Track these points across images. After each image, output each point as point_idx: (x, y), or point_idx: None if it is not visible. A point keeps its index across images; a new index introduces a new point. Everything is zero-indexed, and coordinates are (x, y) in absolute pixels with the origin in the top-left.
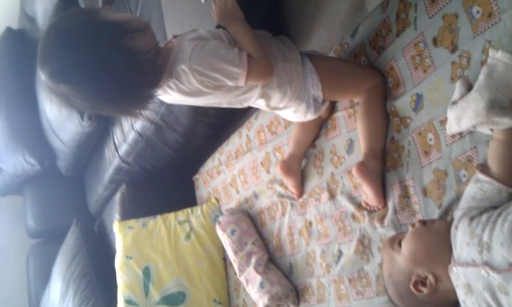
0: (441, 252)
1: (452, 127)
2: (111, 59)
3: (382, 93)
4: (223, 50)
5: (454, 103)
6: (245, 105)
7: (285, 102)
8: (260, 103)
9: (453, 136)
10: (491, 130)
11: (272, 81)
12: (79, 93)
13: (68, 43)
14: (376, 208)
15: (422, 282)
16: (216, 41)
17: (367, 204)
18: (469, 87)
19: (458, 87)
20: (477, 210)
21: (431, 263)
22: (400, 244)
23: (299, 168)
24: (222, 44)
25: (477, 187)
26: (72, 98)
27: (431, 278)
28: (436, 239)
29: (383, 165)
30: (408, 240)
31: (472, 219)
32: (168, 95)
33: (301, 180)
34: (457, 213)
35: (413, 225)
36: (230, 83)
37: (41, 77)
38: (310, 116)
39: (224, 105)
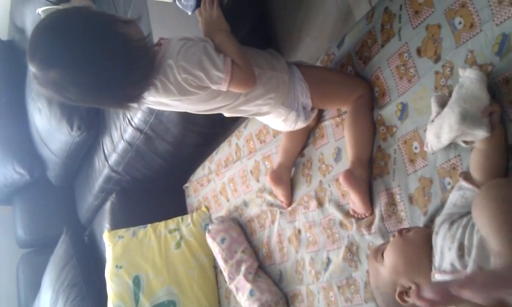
0: (420, 261)
1: (434, 145)
2: (101, 40)
3: (369, 102)
4: (211, 52)
5: (432, 121)
6: (225, 111)
7: (267, 108)
8: (242, 109)
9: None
10: (465, 142)
11: (257, 89)
12: (71, 77)
13: (58, 29)
14: (363, 216)
15: (406, 292)
16: (205, 44)
17: (354, 211)
18: (443, 104)
19: (433, 105)
20: (457, 215)
21: (412, 273)
22: (382, 255)
23: (288, 177)
24: (210, 47)
25: (459, 194)
26: (63, 85)
27: (414, 288)
28: (413, 248)
29: (369, 174)
30: (388, 252)
31: (452, 223)
32: (151, 96)
33: (291, 189)
34: (438, 220)
35: (394, 235)
36: (212, 86)
37: (32, 69)
38: (301, 124)
39: (204, 112)
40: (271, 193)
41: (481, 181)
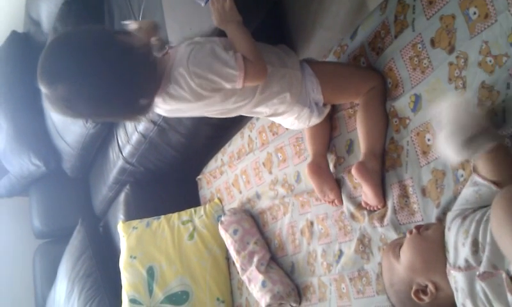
0: (438, 259)
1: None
2: (108, 54)
3: (381, 94)
4: (219, 52)
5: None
6: (243, 112)
7: (283, 108)
8: (258, 110)
9: None
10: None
11: (272, 88)
12: (77, 92)
13: (66, 46)
14: (375, 208)
15: (423, 290)
16: (212, 45)
17: (366, 204)
18: None
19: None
20: (470, 210)
21: (429, 272)
22: (399, 252)
23: (327, 165)
24: (218, 47)
25: (474, 190)
26: (71, 100)
27: (431, 287)
28: (432, 246)
29: (382, 166)
30: (405, 250)
31: (464, 217)
32: (167, 105)
33: (335, 181)
34: (449, 215)
35: (410, 232)
36: (227, 85)
37: (42, 89)
38: (314, 120)
39: (222, 115)
40: (283, 185)
41: (496, 179)
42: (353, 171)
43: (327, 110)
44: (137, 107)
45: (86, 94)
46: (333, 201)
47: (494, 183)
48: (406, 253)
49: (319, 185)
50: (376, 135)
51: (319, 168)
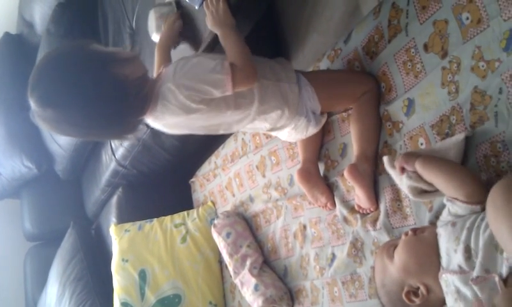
0: (432, 262)
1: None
2: (97, 83)
3: (375, 97)
4: (205, 61)
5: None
6: (241, 127)
7: (283, 121)
8: (257, 125)
9: (443, 138)
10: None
11: (269, 102)
12: (66, 117)
13: (57, 68)
14: (368, 211)
15: (414, 292)
16: (199, 57)
17: (359, 207)
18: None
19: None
20: (459, 217)
21: (422, 274)
22: (393, 253)
23: (317, 171)
24: (204, 57)
25: (450, 205)
26: (59, 123)
27: (422, 289)
28: (427, 249)
29: (374, 169)
30: (400, 251)
31: (453, 224)
32: (160, 120)
33: (326, 185)
34: (439, 223)
35: (406, 233)
36: (217, 92)
37: (31, 104)
38: (312, 130)
39: (225, 131)
40: (276, 189)
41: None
42: (345, 174)
43: (324, 119)
44: (125, 130)
45: (75, 121)
46: (325, 205)
47: (469, 203)
48: (400, 254)
49: (310, 190)
50: (368, 138)
51: (308, 174)
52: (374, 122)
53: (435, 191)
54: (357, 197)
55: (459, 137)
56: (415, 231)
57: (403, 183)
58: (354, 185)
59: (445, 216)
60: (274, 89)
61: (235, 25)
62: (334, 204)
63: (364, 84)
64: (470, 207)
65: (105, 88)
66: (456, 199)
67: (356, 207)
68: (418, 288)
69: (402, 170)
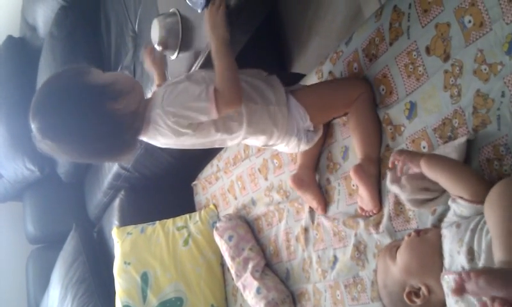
0: (434, 263)
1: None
2: (91, 122)
3: (369, 99)
4: (191, 88)
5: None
6: (235, 143)
7: (273, 141)
8: (250, 142)
9: (445, 142)
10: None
11: (258, 124)
12: (62, 150)
13: (55, 104)
14: (371, 213)
15: (416, 293)
16: (186, 83)
17: (362, 209)
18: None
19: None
20: (463, 218)
21: (424, 275)
22: (395, 253)
23: (312, 177)
24: (192, 84)
25: (455, 206)
26: (57, 152)
27: (424, 290)
28: (429, 250)
29: (379, 171)
30: (403, 251)
31: (458, 225)
32: (153, 140)
33: (320, 190)
34: (443, 224)
35: (409, 235)
36: (203, 118)
37: (32, 127)
38: (303, 147)
39: (220, 145)
40: (278, 192)
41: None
42: (351, 173)
43: (317, 136)
44: (120, 155)
45: (70, 153)
46: (316, 209)
47: (468, 201)
48: (403, 255)
49: (302, 194)
50: (369, 140)
51: (300, 181)
52: (373, 124)
53: (435, 198)
54: (360, 198)
55: (460, 140)
56: (418, 232)
57: (403, 198)
58: (359, 184)
59: (450, 217)
60: (262, 113)
61: (229, 40)
62: (325, 210)
63: (355, 89)
64: (474, 207)
65: (98, 126)
66: (461, 198)
67: (359, 210)
68: (419, 289)
69: (402, 169)
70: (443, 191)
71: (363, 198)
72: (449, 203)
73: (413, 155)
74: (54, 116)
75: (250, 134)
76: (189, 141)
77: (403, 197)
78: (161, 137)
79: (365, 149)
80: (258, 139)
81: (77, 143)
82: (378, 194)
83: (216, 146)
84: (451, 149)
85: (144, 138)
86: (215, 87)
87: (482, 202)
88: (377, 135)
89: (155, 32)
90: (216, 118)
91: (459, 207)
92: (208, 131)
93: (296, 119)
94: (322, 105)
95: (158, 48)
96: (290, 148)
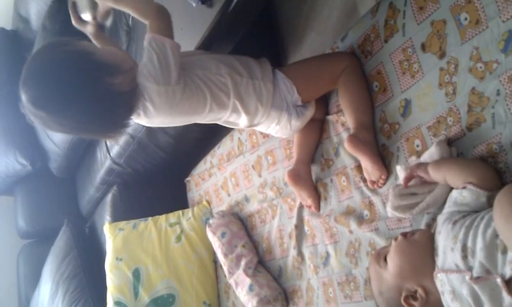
0: (425, 263)
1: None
2: (87, 94)
3: (356, 69)
4: (149, 57)
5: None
6: (225, 118)
7: (258, 118)
8: (235, 121)
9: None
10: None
11: (242, 97)
12: (55, 120)
13: (50, 73)
14: (381, 181)
15: (413, 296)
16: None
17: (372, 182)
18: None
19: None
20: (459, 215)
21: (418, 276)
22: (385, 260)
23: (307, 174)
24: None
25: (458, 192)
26: (48, 123)
27: (420, 291)
28: (419, 251)
29: (374, 136)
30: (392, 256)
31: (455, 222)
32: (149, 118)
33: (314, 188)
34: (440, 219)
35: (396, 239)
36: (173, 60)
37: (22, 98)
38: (295, 123)
39: (206, 121)
40: (272, 189)
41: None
42: (346, 145)
43: (308, 112)
44: (112, 132)
45: (62, 124)
46: (310, 207)
47: (472, 184)
48: (393, 259)
49: (297, 191)
50: (360, 107)
51: (297, 176)
52: (363, 91)
53: (421, 201)
54: (365, 170)
55: (440, 138)
56: (405, 235)
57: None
58: (357, 155)
59: (447, 205)
60: (247, 86)
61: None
62: (318, 208)
63: (341, 62)
64: (481, 193)
65: (93, 99)
66: (470, 183)
67: (369, 184)
68: (416, 291)
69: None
70: (430, 191)
71: (368, 169)
72: (450, 194)
73: (419, 165)
74: (49, 85)
75: (236, 109)
76: (181, 115)
77: (388, 208)
78: (155, 112)
79: (357, 117)
80: (243, 114)
81: (71, 115)
82: (380, 158)
83: (208, 120)
84: (434, 149)
85: (137, 119)
86: (150, 30)
87: (489, 189)
88: (368, 101)
89: (82, 1)
90: (174, 42)
91: (461, 193)
92: (198, 100)
93: (283, 93)
94: (308, 77)
95: (86, 17)
96: (281, 126)
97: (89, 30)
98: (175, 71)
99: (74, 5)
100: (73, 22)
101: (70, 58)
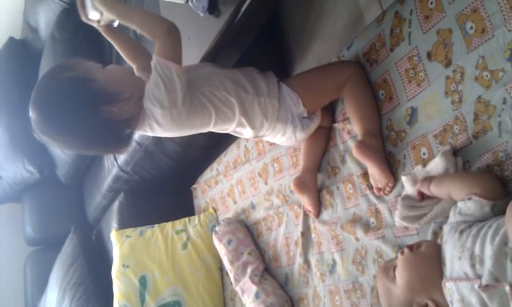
0: (434, 274)
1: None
2: (84, 123)
3: (361, 76)
4: (155, 82)
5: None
6: (229, 131)
7: (263, 131)
8: (241, 132)
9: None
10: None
11: (248, 113)
12: (58, 144)
13: (50, 102)
14: (387, 189)
15: None
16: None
17: (378, 189)
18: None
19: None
20: (465, 224)
21: (427, 289)
22: (393, 273)
23: (313, 182)
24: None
25: (462, 203)
26: (52, 142)
27: (431, 305)
28: (427, 263)
29: (382, 143)
30: (401, 270)
31: (461, 232)
32: (155, 130)
33: (318, 196)
34: (445, 228)
35: (402, 252)
36: (178, 81)
37: (31, 117)
38: (300, 135)
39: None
40: (278, 196)
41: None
42: (354, 151)
43: (313, 124)
44: (115, 150)
45: (67, 147)
46: (309, 213)
47: (475, 194)
48: (402, 273)
49: (300, 198)
50: (367, 115)
51: (302, 184)
52: (369, 98)
53: (429, 212)
54: (371, 177)
55: (444, 151)
56: (411, 247)
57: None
58: (365, 161)
59: (452, 215)
60: (253, 103)
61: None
62: (317, 216)
63: (344, 71)
64: (485, 202)
65: (94, 126)
66: (474, 194)
67: (375, 191)
68: (426, 305)
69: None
70: (437, 202)
71: (375, 176)
72: (455, 204)
73: (423, 181)
74: (50, 114)
75: (242, 123)
76: (187, 129)
77: (396, 218)
78: (161, 131)
79: (364, 124)
80: (248, 128)
81: (72, 140)
82: (387, 165)
83: (214, 130)
84: (439, 160)
85: (143, 133)
86: (157, 52)
87: (492, 199)
88: (374, 108)
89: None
90: (182, 67)
91: (465, 204)
92: (203, 117)
93: (289, 106)
94: (314, 88)
95: (93, 16)
96: (287, 138)
97: (97, 26)
98: (181, 94)
99: (83, 2)
100: (82, 18)
101: (70, 87)
